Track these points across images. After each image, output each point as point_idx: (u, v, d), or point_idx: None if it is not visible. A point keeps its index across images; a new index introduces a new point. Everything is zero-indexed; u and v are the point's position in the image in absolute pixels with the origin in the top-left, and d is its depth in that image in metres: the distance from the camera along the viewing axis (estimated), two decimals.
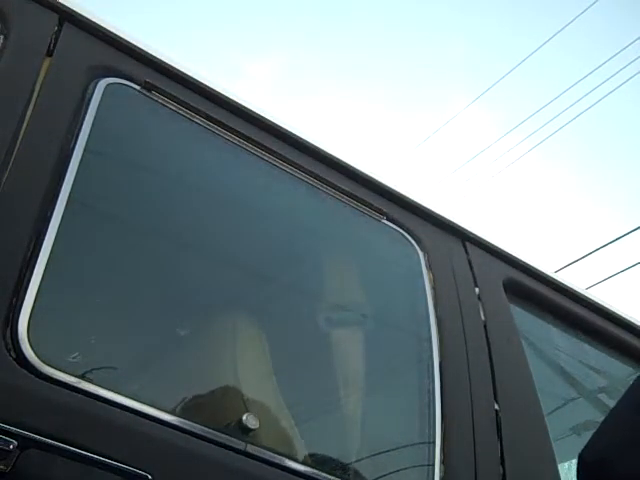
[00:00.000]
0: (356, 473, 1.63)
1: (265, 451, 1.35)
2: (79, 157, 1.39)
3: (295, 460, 1.41)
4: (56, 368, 1.18)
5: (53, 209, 1.30)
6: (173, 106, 1.62)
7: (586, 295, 2.27)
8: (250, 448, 1.33)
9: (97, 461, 1.14)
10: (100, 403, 1.20)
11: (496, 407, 1.71)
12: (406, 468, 1.66)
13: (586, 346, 2.28)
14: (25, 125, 1.34)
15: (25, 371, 1.15)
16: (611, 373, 2.42)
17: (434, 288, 1.82)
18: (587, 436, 2.45)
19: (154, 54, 1.63)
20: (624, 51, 9.35)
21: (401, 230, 1.89)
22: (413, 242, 1.89)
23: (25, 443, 1.09)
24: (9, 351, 1.15)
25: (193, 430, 1.27)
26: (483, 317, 1.85)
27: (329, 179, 1.81)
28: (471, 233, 2.03)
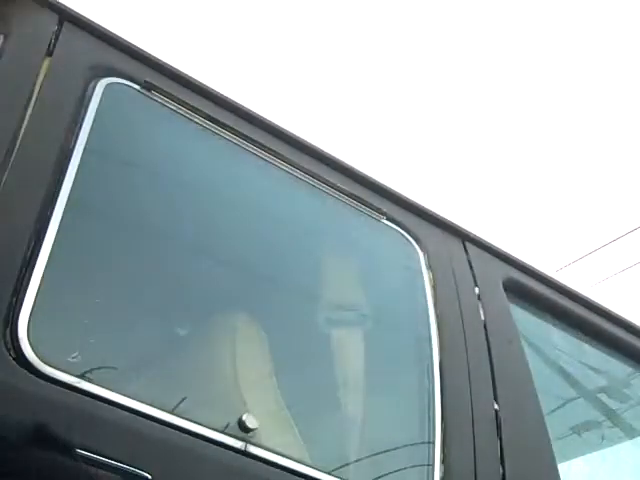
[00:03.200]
0: (356, 473, 1.63)
1: (265, 451, 1.35)
2: (79, 157, 1.39)
3: (295, 460, 1.41)
4: (56, 368, 1.18)
5: (53, 209, 1.30)
6: (173, 106, 1.63)
7: (586, 295, 2.27)
8: (250, 448, 1.33)
9: (97, 461, 1.14)
10: (100, 403, 1.20)
11: (496, 407, 1.71)
12: (406, 468, 1.66)
13: (586, 346, 2.28)
14: (25, 125, 1.34)
15: (25, 371, 1.15)
16: (611, 373, 2.42)
17: (434, 288, 1.82)
18: (587, 436, 2.45)
19: (154, 54, 1.64)
20: None
21: (401, 230, 1.89)
22: (413, 242, 1.89)
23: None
24: (9, 351, 1.15)
25: (193, 430, 1.27)
26: (483, 317, 1.85)
27: (329, 179, 1.81)
28: (471, 233, 2.04)
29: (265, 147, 1.72)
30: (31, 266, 1.23)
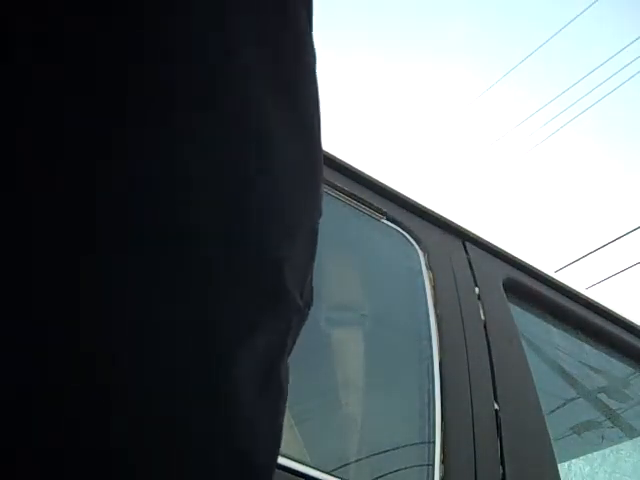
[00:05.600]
0: (356, 473, 1.63)
1: None
2: None
3: (295, 460, 1.41)
4: None
5: None
6: None
7: (586, 295, 2.27)
8: None
9: None
10: None
11: (496, 407, 1.71)
12: (406, 468, 1.66)
13: (586, 346, 2.28)
14: None
15: None
16: (611, 373, 2.42)
17: (434, 288, 1.81)
18: (587, 436, 2.45)
19: None
20: None
21: (401, 230, 1.89)
22: (413, 242, 1.89)
23: None
24: None
25: None
26: (483, 317, 1.85)
27: (329, 179, 1.81)
28: (471, 233, 2.04)
29: None
30: None
